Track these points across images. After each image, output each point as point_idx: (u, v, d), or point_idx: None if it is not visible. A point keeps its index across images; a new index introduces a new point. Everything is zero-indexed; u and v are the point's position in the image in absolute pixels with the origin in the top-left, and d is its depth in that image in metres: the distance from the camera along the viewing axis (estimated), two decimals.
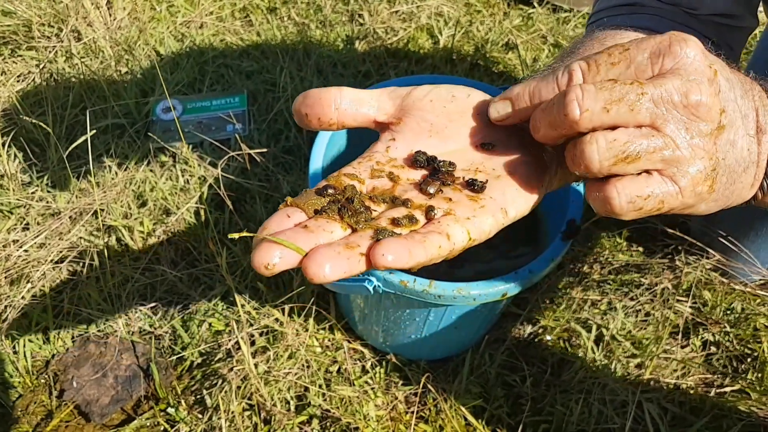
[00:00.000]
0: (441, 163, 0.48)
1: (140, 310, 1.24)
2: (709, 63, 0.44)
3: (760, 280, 1.24)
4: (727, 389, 1.15)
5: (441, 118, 0.51)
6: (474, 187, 0.47)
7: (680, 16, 0.76)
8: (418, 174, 0.49)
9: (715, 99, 0.43)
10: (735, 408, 1.12)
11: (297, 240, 0.39)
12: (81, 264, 1.28)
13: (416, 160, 0.49)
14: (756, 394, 1.14)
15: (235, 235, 0.43)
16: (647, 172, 0.44)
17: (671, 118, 0.43)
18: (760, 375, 1.17)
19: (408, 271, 0.87)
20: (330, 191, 0.45)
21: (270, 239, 0.39)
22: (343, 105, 0.50)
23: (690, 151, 0.43)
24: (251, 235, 0.40)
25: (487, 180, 0.47)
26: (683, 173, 0.44)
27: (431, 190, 0.46)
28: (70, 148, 1.11)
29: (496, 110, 0.49)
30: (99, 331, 1.22)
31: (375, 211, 0.45)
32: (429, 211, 0.44)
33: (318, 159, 1.04)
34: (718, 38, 0.77)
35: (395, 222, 0.43)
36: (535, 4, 1.85)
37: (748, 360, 1.20)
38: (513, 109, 0.48)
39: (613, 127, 0.43)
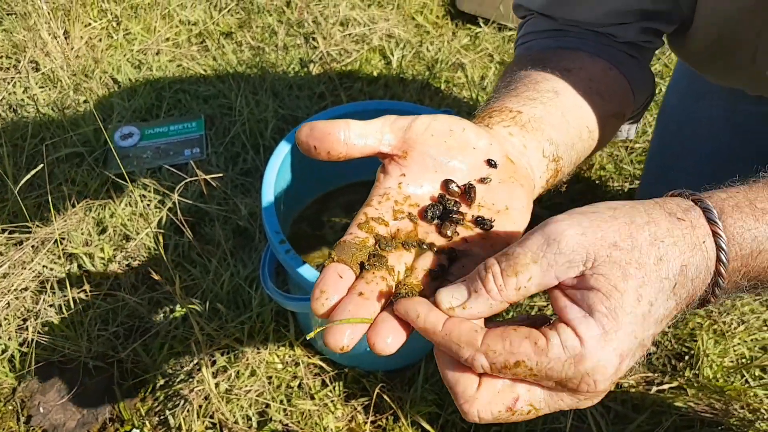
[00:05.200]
0: (448, 201, 0.55)
1: (102, 335, 1.27)
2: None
3: None
4: (666, 386, 1.22)
5: (443, 153, 0.56)
6: (484, 226, 0.54)
7: (603, 38, 0.82)
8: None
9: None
10: (673, 404, 1.19)
11: (359, 312, 0.46)
12: (44, 292, 1.31)
13: (427, 214, 0.54)
14: (692, 390, 1.21)
15: (313, 334, 0.49)
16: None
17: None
18: (696, 372, 1.24)
19: None
20: (368, 241, 0.51)
21: (339, 323, 0.45)
22: (352, 139, 0.52)
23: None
24: (326, 327, 0.46)
25: (493, 219, 0.54)
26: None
27: (449, 233, 0.53)
28: (22, 181, 1.14)
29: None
30: (63, 356, 1.25)
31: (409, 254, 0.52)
32: (451, 254, 0.51)
33: (270, 182, 1.09)
34: (638, 54, 0.84)
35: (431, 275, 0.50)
36: (482, 24, 1.93)
37: (686, 358, 1.27)
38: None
39: None
